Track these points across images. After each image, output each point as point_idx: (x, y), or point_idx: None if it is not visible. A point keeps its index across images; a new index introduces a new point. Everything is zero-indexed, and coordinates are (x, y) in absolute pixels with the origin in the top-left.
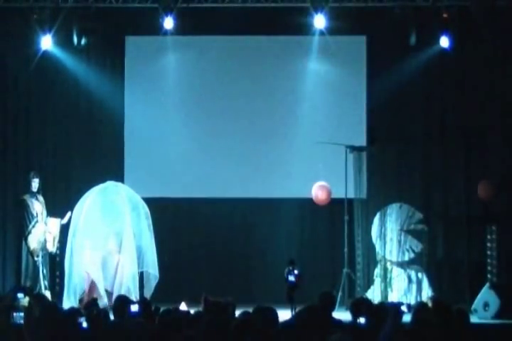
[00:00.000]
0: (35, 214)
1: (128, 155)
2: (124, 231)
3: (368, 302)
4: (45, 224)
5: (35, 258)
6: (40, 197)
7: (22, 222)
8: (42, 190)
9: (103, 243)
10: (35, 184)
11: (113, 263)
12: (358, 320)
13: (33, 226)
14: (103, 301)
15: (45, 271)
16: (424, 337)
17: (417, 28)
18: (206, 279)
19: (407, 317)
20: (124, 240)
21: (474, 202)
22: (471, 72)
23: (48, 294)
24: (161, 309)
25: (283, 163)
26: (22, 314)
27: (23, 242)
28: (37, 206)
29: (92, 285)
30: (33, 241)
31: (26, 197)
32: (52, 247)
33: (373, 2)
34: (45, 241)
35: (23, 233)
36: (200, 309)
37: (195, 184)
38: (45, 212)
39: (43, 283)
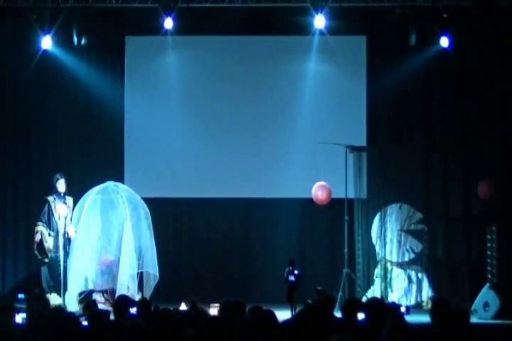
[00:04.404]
0: (54, 221)
1: (128, 155)
2: (124, 231)
3: (359, 301)
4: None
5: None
6: (69, 200)
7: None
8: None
9: (102, 246)
10: (60, 185)
11: (113, 265)
12: (356, 319)
13: (49, 235)
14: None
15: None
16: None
17: (417, 28)
18: (206, 279)
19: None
20: (124, 240)
21: (474, 202)
22: (471, 72)
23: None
24: (161, 309)
25: (283, 163)
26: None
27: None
28: (61, 209)
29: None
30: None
31: (50, 198)
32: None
33: (373, 2)
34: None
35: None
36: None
37: (195, 184)
38: (69, 215)
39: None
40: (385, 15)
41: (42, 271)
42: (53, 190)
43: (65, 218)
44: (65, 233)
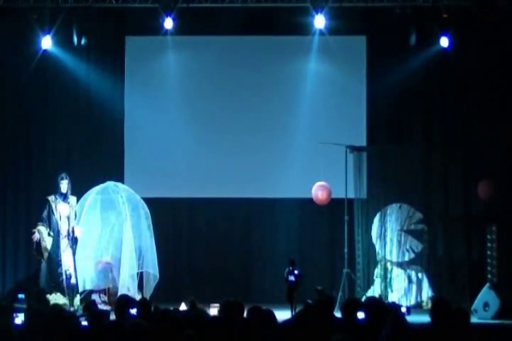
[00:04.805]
0: (54, 220)
1: (128, 155)
2: (124, 231)
3: (359, 301)
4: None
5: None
6: (72, 199)
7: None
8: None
9: (102, 246)
10: (62, 186)
11: (110, 266)
12: (356, 319)
13: (48, 235)
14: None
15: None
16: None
17: (417, 28)
18: (206, 279)
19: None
20: (124, 241)
21: (474, 202)
22: (471, 72)
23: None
24: (161, 309)
25: (283, 163)
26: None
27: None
28: (62, 208)
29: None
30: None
31: (51, 198)
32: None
33: (373, 2)
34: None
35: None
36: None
37: (195, 184)
38: (73, 215)
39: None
40: (385, 15)
41: (41, 270)
42: (56, 189)
43: (68, 217)
44: (69, 233)
